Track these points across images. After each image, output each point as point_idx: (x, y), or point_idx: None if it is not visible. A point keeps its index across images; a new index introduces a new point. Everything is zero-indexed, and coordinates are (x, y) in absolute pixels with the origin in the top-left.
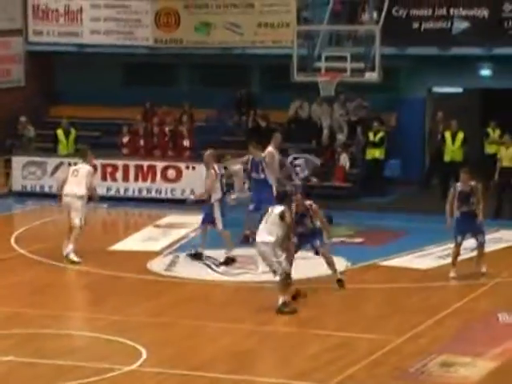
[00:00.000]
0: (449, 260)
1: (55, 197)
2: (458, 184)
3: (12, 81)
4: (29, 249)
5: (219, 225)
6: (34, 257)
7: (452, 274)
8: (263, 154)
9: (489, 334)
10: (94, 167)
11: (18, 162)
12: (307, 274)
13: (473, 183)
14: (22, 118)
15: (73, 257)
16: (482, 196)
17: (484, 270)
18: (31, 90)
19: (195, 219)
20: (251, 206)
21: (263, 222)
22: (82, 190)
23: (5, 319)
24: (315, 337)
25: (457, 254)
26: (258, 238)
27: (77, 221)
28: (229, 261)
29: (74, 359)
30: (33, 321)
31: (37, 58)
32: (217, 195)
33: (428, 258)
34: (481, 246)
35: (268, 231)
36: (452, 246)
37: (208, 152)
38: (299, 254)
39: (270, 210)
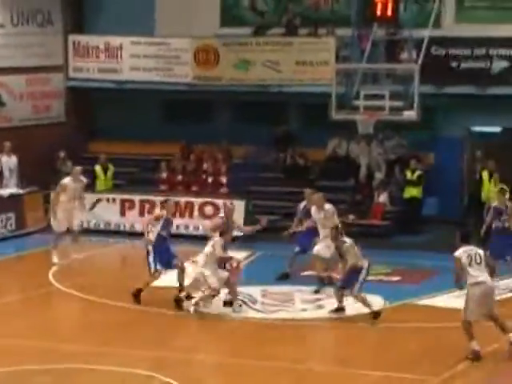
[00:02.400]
0: None
1: (93, 232)
2: None
3: (52, 116)
4: (66, 283)
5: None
6: (72, 291)
7: None
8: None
9: None
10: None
11: None
12: (344, 312)
13: None
14: (61, 154)
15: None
16: None
17: None
18: (71, 125)
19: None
20: (297, 248)
21: None
22: None
23: (42, 354)
24: (352, 375)
25: None
26: None
27: None
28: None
29: None
30: (70, 356)
31: (77, 93)
32: None
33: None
34: None
35: None
36: None
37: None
38: None
39: None
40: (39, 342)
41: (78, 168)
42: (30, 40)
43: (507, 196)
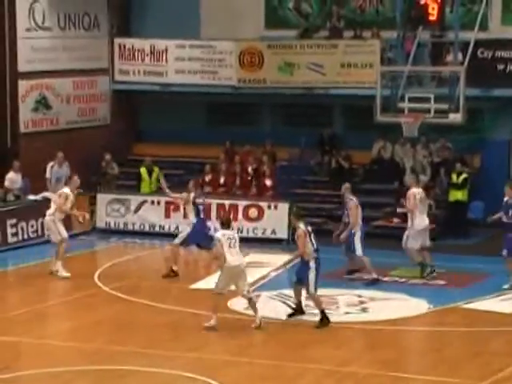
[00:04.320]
0: None
1: (138, 234)
2: None
3: (97, 119)
4: (112, 285)
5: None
6: (117, 293)
7: None
8: None
9: None
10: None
11: (102, 199)
12: (388, 316)
13: None
14: (107, 156)
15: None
16: None
17: None
18: (116, 128)
19: (276, 258)
20: None
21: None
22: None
23: (87, 355)
24: (396, 380)
25: None
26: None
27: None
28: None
29: None
30: (114, 357)
31: (122, 96)
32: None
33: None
34: None
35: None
36: None
37: (345, 185)
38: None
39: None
40: (85, 344)
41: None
42: (76, 43)
43: None
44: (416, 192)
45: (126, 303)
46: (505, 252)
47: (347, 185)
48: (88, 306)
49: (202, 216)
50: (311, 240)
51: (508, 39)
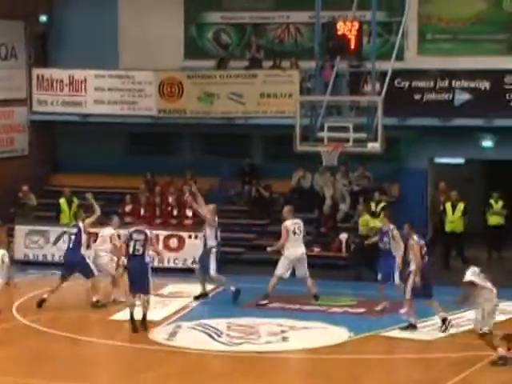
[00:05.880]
0: (451, 331)
1: (57, 265)
2: None
3: (15, 150)
4: (30, 318)
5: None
6: (35, 326)
7: None
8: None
9: None
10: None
11: (20, 230)
12: (309, 344)
13: None
14: (24, 187)
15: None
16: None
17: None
18: (34, 158)
19: (197, 288)
20: None
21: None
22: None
23: None
24: None
25: None
26: None
27: None
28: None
29: None
30: None
31: (40, 127)
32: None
33: (429, 329)
34: None
35: None
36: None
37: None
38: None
39: None
40: (3, 377)
41: None
42: None
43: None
44: (289, 224)
45: (46, 336)
46: (380, 276)
47: (214, 205)
48: (6, 339)
49: (70, 246)
50: None
51: (424, 69)
